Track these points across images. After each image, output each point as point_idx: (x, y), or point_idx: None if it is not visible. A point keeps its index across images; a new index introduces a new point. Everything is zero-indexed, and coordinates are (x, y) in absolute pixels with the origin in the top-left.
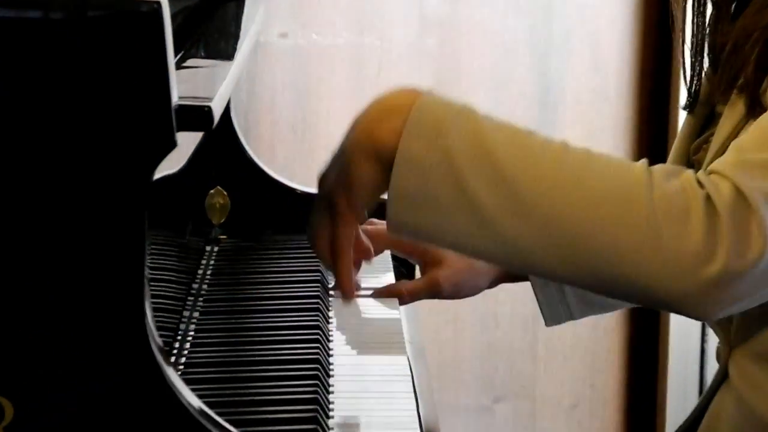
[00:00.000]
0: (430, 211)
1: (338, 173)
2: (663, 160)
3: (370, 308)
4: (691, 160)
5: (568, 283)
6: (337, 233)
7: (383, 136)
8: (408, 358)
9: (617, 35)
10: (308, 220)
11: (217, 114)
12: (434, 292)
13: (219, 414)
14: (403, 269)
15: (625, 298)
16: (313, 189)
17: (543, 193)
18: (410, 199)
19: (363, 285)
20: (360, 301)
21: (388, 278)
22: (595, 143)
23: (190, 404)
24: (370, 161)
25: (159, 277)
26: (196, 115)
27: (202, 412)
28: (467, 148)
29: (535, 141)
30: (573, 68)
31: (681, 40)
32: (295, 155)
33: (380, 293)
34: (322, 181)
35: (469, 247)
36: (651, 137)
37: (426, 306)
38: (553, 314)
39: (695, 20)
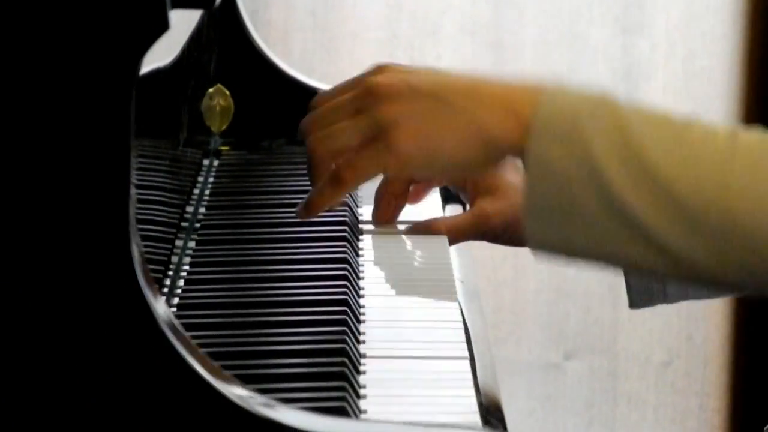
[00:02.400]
0: (578, 225)
1: (425, 134)
2: None
3: (412, 242)
4: None
5: (735, 288)
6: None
7: (499, 129)
8: (458, 302)
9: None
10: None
11: None
12: (482, 229)
13: (221, 367)
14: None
15: None
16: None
17: (711, 201)
18: (552, 213)
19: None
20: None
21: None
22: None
23: (187, 353)
24: (478, 143)
25: (146, 197)
26: None
27: (202, 362)
28: (613, 151)
29: (694, 135)
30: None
31: None
32: (314, 46)
33: (417, 229)
34: (391, 112)
35: (631, 264)
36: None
37: None
38: (643, 297)
39: None
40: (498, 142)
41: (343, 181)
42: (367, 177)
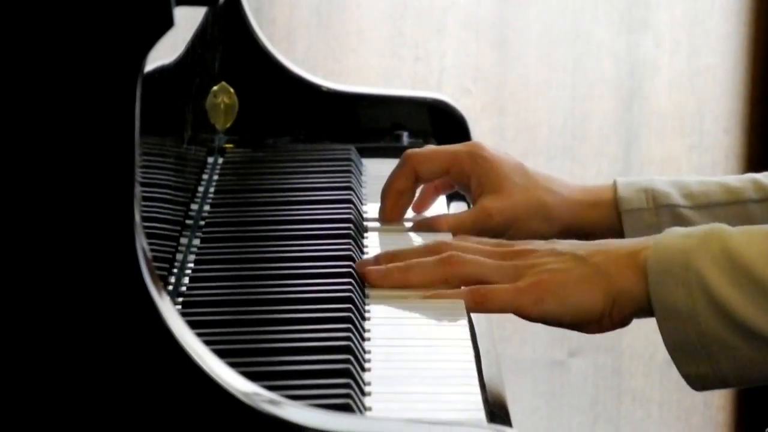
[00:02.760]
0: (719, 353)
1: (562, 281)
2: None
3: (416, 239)
4: None
5: None
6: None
7: (620, 277)
8: (463, 300)
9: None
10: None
11: None
12: (484, 226)
13: (227, 365)
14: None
15: None
16: (341, 86)
17: None
18: (695, 351)
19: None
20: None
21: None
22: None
23: (193, 350)
24: (601, 291)
25: (151, 195)
26: None
27: (207, 359)
28: (725, 276)
29: None
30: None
31: None
32: (318, 44)
33: (420, 226)
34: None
35: None
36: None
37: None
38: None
39: None
40: (623, 291)
41: (478, 301)
42: (501, 308)
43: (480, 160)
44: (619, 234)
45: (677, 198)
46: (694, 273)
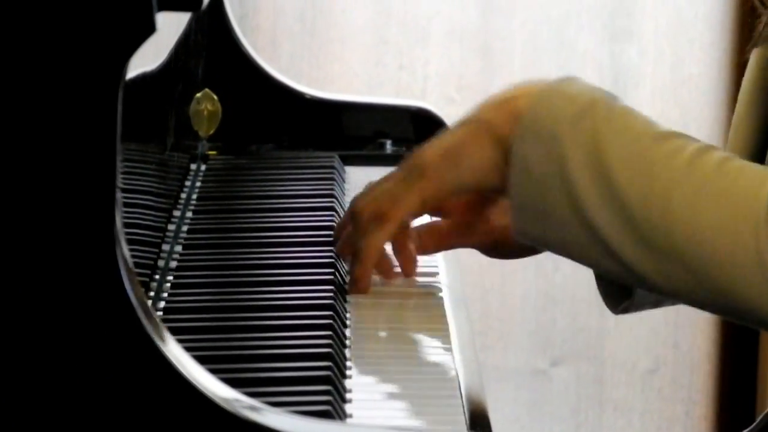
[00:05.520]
0: (551, 224)
1: (445, 147)
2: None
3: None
4: None
5: (688, 304)
6: (400, 206)
7: (501, 124)
8: (445, 307)
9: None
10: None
11: None
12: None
13: (208, 371)
14: None
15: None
16: (325, 93)
17: (657, 219)
18: (531, 209)
19: None
20: None
21: None
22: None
23: (173, 356)
24: (488, 141)
25: (133, 201)
26: None
27: (188, 365)
28: (583, 160)
29: (661, 151)
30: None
31: None
32: (302, 51)
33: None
34: (418, 154)
35: (595, 268)
36: None
37: None
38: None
39: None
40: (502, 136)
41: (386, 218)
42: (408, 207)
43: None
44: None
45: None
46: (558, 145)
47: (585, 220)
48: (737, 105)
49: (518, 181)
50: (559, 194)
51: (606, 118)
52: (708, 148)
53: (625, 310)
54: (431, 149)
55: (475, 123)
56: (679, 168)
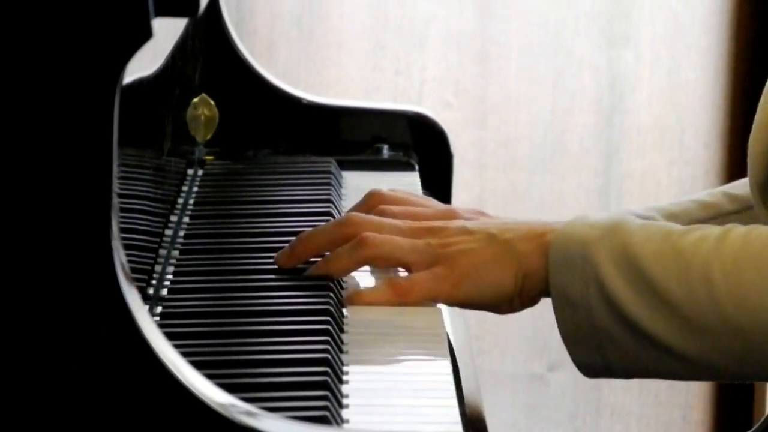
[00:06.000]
0: (607, 347)
1: (478, 262)
2: None
3: None
4: None
5: (754, 379)
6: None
7: (530, 259)
8: (442, 312)
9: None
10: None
11: None
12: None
13: (204, 376)
14: None
15: None
16: (322, 98)
17: (702, 301)
18: (582, 338)
19: None
20: None
21: None
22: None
23: (170, 361)
24: (514, 271)
25: (129, 206)
26: None
27: (185, 370)
28: (620, 271)
29: (687, 240)
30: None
31: None
32: (299, 56)
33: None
34: (444, 245)
35: (663, 375)
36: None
37: None
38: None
39: None
40: (531, 272)
41: (402, 294)
42: (424, 297)
43: None
44: None
45: (662, 220)
46: (591, 265)
47: (637, 330)
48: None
49: (563, 314)
50: (605, 314)
51: (630, 231)
52: (730, 227)
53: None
54: (462, 258)
55: (507, 249)
56: (710, 249)
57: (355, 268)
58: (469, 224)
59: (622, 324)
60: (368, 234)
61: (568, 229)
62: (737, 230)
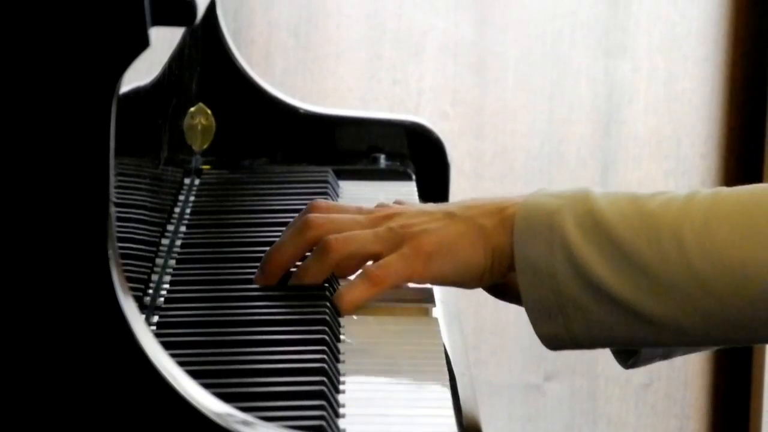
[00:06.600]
0: (574, 316)
1: (442, 240)
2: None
3: None
4: None
5: (723, 343)
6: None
7: (495, 232)
8: (438, 322)
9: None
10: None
11: (200, 6)
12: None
13: (201, 385)
14: None
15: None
16: (319, 108)
17: (671, 261)
18: (548, 309)
19: None
20: None
21: None
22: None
23: (166, 371)
24: (482, 246)
25: (126, 215)
26: (174, 6)
27: (181, 380)
28: (587, 236)
29: (653, 204)
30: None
31: None
32: (296, 65)
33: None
34: (406, 226)
35: (629, 342)
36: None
37: None
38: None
39: None
40: (498, 246)
41: (378, 282)
42: (399, 279)
43: None
44: None
45: None
46: (557, 232)
47: (604, 294)
48: None
49: (528, 284)
50: (572, 280)
51: (594, 198)
52: (696, 190)
53: (634, 365)
54: (428, 236)
55: (472, 225)
56: (679, 208)
57: (328, 273)
58: (425, 206)
59: (588, 289)
60: (330, 238)
61: (532, 199)
62: (703, 192)
